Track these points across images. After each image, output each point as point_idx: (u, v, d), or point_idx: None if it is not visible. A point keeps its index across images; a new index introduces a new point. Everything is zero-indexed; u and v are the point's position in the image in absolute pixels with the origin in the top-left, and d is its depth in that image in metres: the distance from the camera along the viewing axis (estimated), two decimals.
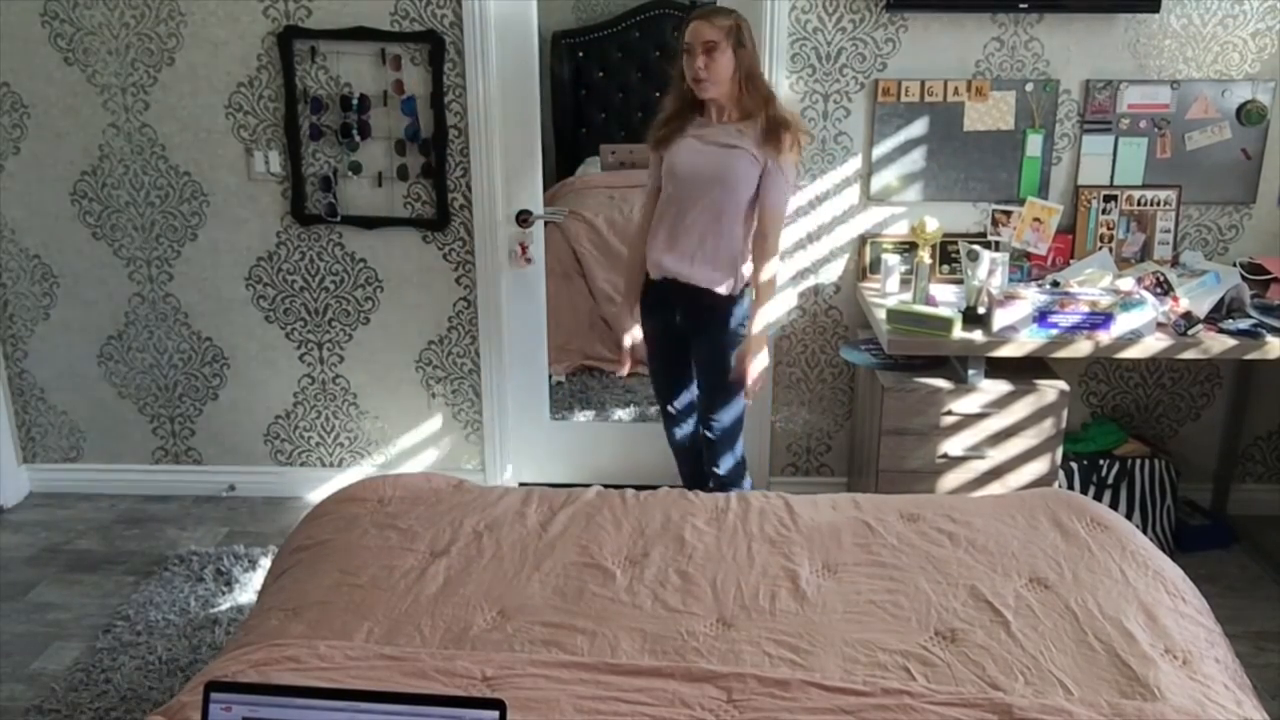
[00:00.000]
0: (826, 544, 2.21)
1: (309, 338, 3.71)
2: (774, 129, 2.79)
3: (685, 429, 3.20)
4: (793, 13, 3.31)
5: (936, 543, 2.21)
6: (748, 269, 2.92)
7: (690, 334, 3.01)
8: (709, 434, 3.06)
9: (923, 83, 3.34)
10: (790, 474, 3.77)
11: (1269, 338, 2.98)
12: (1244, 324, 3.04)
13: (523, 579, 2.09)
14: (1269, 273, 3.32)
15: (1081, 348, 2.98)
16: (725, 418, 3.02)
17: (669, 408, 3.18)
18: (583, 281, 4.57)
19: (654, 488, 2.51)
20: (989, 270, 3.08)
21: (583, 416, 4.22)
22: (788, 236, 3.48)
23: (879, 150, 3.41)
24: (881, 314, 3.13)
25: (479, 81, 3.39)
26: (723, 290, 2.91)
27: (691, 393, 3.13)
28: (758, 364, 2.90)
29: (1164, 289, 3.14)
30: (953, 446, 3.10)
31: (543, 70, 3.61)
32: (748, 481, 3.17)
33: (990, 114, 3.36)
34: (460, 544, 2.22)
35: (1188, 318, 3.00)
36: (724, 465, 3.08)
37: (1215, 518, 3.59)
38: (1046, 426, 3.08)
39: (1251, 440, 3.68)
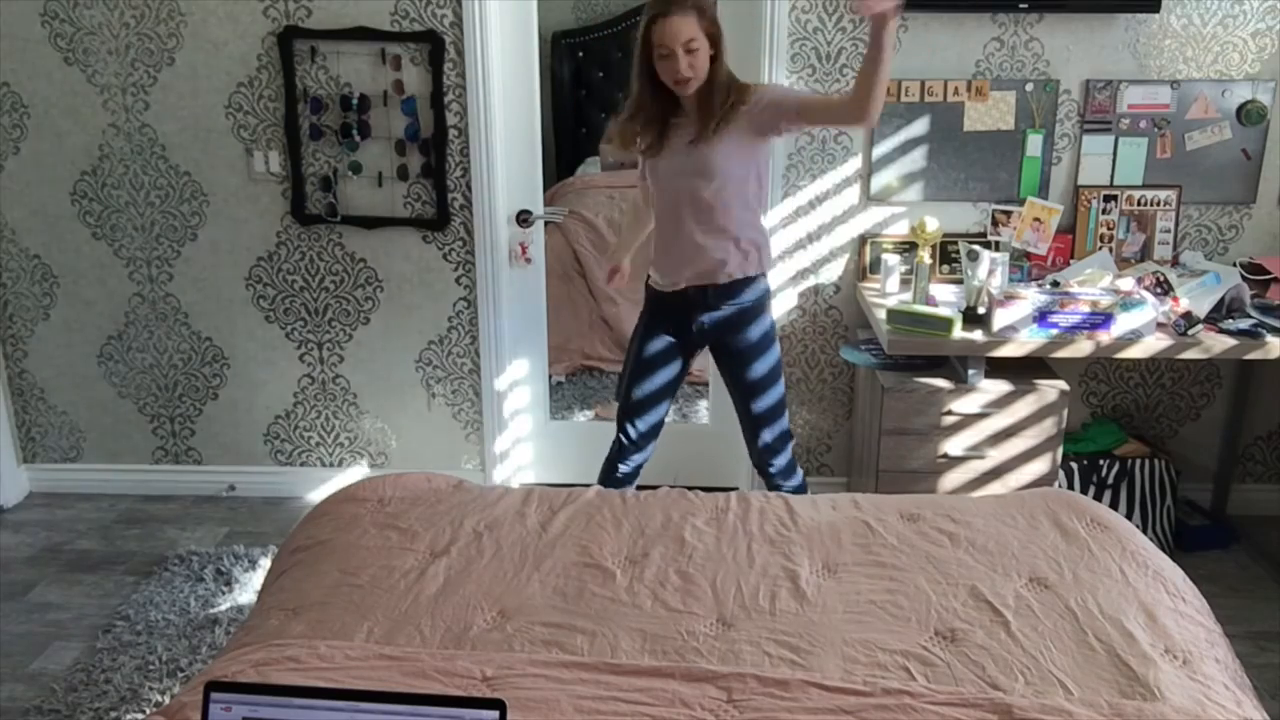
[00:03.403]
0: (826, 544, 2.21)
1: (309, 338, 3.71)
2: (740, 94, 2.70)
3: (636, 460, 3.09)
4: (793, 13, 3.31)
5: (936, 543, 2.21)
6: (761, 244, 2.86)
7: (718, 337, 2.91)
8: (763, 440, 2.96)
9: (923, 83, 3.34)
10: None
11: (1269, 338, 2.98)
12: (1244, 324, 3.04)
13: (523, 579, 2.09)
14: (1269, 273, 3.32)
15: (1081, 348, 2.98)
16: (777, 415, 2.96)
17: (628, 433, 3.04)
18: (583, 281, 4.57)
19: (654, 488, 2.51)
20: (989, 270, 3.08)
21: (583, 416, 4.22)
22: (788, 237, 3.49)
23: (879, 150, 3.41)
24: (881, 314, 3.13)
25: (479, 81, 3.39)
26: (747, 271, 2.83)
27: (656, 417, 3.04)
28: None
29: (1164, 289, 3.14)
30: (953, 446, 3.10)
31: (543, 70, 3.61)
32: (799, 473, 3.08)
33: (990, 114, 3.36)
34: (460, 544, 2.22)
35: (1188, 318, 3.00)
36: (780, 462, 3.00)
37: (1215, 518, 3.59)
38: (1046, 426, 3.08)
39: (1251, 440, 3.68)
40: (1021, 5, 3.23)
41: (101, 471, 3.90)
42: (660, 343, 2.97)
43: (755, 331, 2.90)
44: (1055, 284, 3.26)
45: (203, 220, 3.61)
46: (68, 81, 3.48)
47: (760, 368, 2.92)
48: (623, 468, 3.10)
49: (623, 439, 3.07)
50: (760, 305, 2.91)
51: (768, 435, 2.98)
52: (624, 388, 3.05)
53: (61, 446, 3.89)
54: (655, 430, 3.08)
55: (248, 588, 3.19)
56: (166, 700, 2.61)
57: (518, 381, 3.78)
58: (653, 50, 2.65)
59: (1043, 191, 3.42)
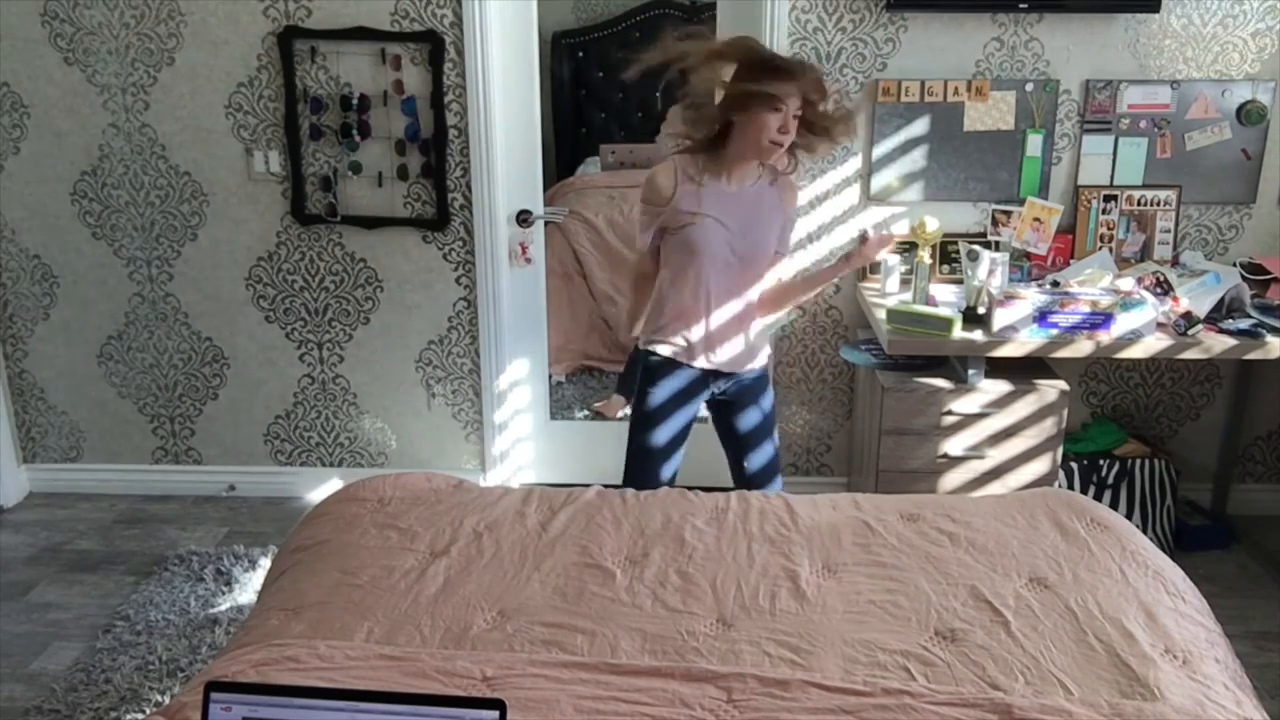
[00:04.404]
0: (826, 544, 2.21)
1: (309, 338, 3.71)
2: (788, 184, 2.71)
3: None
4: (793, 13, 3.31)
5: (936, 543, 2.21)
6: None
7: (732, 407, 2.83)
8: (758, 487, 2.85)
9: (923, 83, 3.34)
10: (790, 474, 3.77)
11: (1269, 338, 2.98)
12: (1244, 324, 3.04)
13: (523, 579, 2.09)
14: (1269, 273, 3.32)
15: (1081, 348, 2.98)
16: (776, 468, 2.91)
17: (660, 475, 2.82)
18: (583, 281, 4.57)
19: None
20: (989, 270, 3.08)
21: (581, 416, 4.23)
22: None
23: (879, 150, 3.41)
24: (881, 314, 3.13)
25: (479, 81, 3.39)
26: (761, 363, 2.82)
27: (677, 463, 2.87)
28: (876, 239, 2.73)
29: (1164, 289, 3.14)
30: (953, 446, 3.10)
31: (543, 70, 3.61)
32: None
33: (990, 114, 3.36)
34: (460, 544, 2.22)
35: (1188, 318, 3.00)
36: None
37: (1215, 518, 3.59)
38: (1046, 426, 3.08)
39: (1251, 440, 3.68)
40: (1021, 5, 3.23)
41: (101, 471, 3.90)
42: (680, 404, 2.80)
43: (766, 406, 2.85)
44: (1055, 284, 3.26)
45: (203, 220, 3.61)
46: (68, 81, 3.48)
47: (763, 436, 2.87)
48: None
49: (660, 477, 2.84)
50: (766, 370, 2.86)
51: (754, 462, 2.89)
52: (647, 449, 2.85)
53: (61, 446, 3.89)
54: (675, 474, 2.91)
55: (248, 588, 3.19)
56: (166, 700, 2.61)
57: (518, 381, 3.78)
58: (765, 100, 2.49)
59: (1043, 191, 3.42)
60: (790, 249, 2.82)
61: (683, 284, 2.67)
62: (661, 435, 2.78)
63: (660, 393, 2.77)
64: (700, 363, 2.74)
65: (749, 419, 2.84)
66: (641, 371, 2.80)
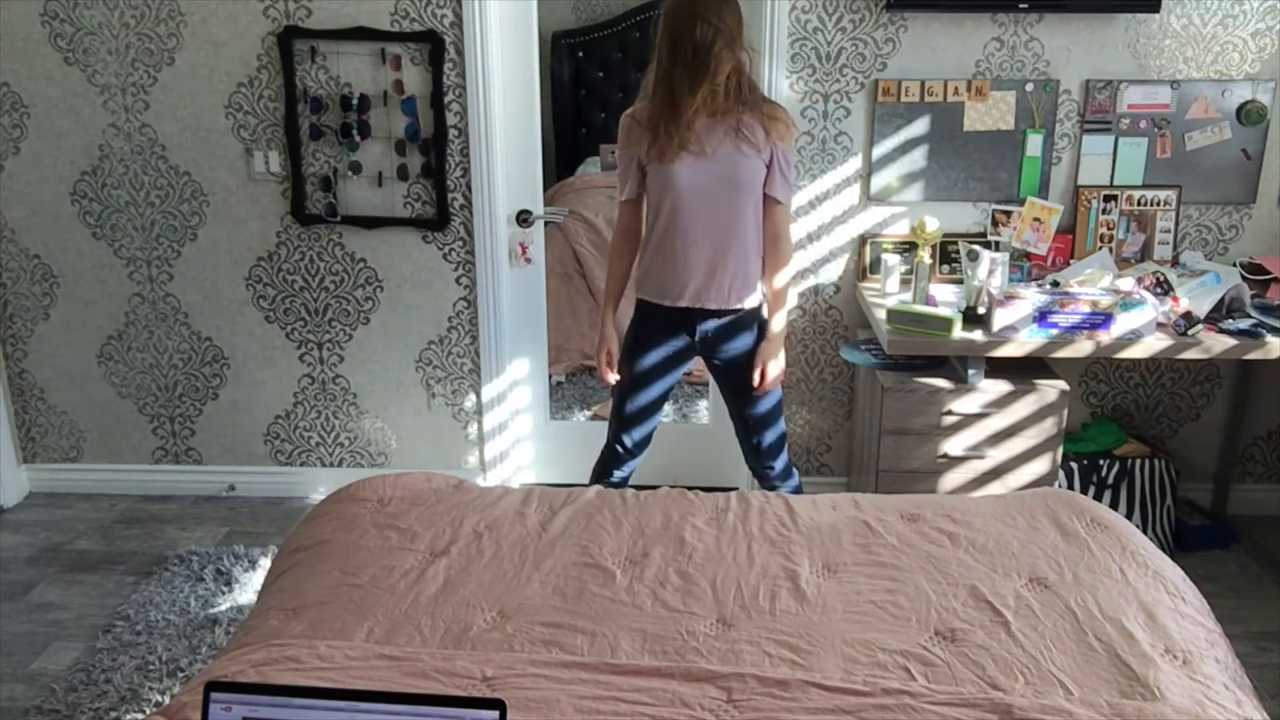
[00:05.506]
0: (826, 544, 2.21)
1: (309, 338, 3.71)
2: (774, 114, 2.71)
3: (631, 466, 3.02)
4: (793, 13, 3.31)
5: (936, 543, 2.21)
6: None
7: (716, 356, 2.87)
8: (759, 445, 2.94)
9: (923, 83, 3.34)
10: None
11: (1269, 338, 2.98)
12: (1244, 324, 3.04)
13: (523, 579, 2.09)
14: (1269, 273, 3.32)
15: (1082, 348, 2.98)
16: (775, 427, 2.94)
17: (624, 442, 2.96)
18: (583, 281, 4.57)
19: (654, 488, 2.51)
20: (989, 270, 3.08)
21: (583, 416, 4.22)
22: None
23: (879, 150, 3.41)
24: (881, 314, 3.13)
25: (479, 81, 3.39)
26: (753, 304, 2.83)
27: (652, 425, 2.98)
28: (777, 365, 2.84)
29: (1164, 289, 3.14)
30: (953, 446, 3.10)
31: (543, 70, 3.61)
32: (796, 475, 3.07)
33: (990, 114, 3.36)
34: (460, 544, 2.22)
35: (1188, 318, 3.00)
36: (778, 465, 2.99)
37: (1215, 518, 3.59)
38: (1046, 426, 3.08)
39: (1251, 440, 3.68)
40: (1021, 5, 3.23)
41: (101, 471, 3.90)
42: (659, 354, 2.89)
43: (753, 338, 2.88)
44: (1055, 284, 3.26)
45: (203, 220, 3.61)
46: (68, 81, 3.48)
47: (761, 394, 2.89)
48: (618, 474, 3.02)
49: (618, 448, 2.98)
50: (758, 312, 2.89)
51: (765, 438, 2.95)
52: (617, 400, 2.97)
53: (61, 446, 3.89)
54: (650, 437, 3.01)
55: (248, 588, 3.19)
56: (166, 700, 2.61)
57: (518, 381, 3.79)
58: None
59: (1043, 191, 3.42)
60: (790, 200, 2.82)
61: (663, 220, 2.75)
62: (641, 389, 2.89)
63: (640, 342, 2.88)
64: (682, 302, 2.80)
65: (735, 351, 2.85)
66: (631, 320, 2.92)
